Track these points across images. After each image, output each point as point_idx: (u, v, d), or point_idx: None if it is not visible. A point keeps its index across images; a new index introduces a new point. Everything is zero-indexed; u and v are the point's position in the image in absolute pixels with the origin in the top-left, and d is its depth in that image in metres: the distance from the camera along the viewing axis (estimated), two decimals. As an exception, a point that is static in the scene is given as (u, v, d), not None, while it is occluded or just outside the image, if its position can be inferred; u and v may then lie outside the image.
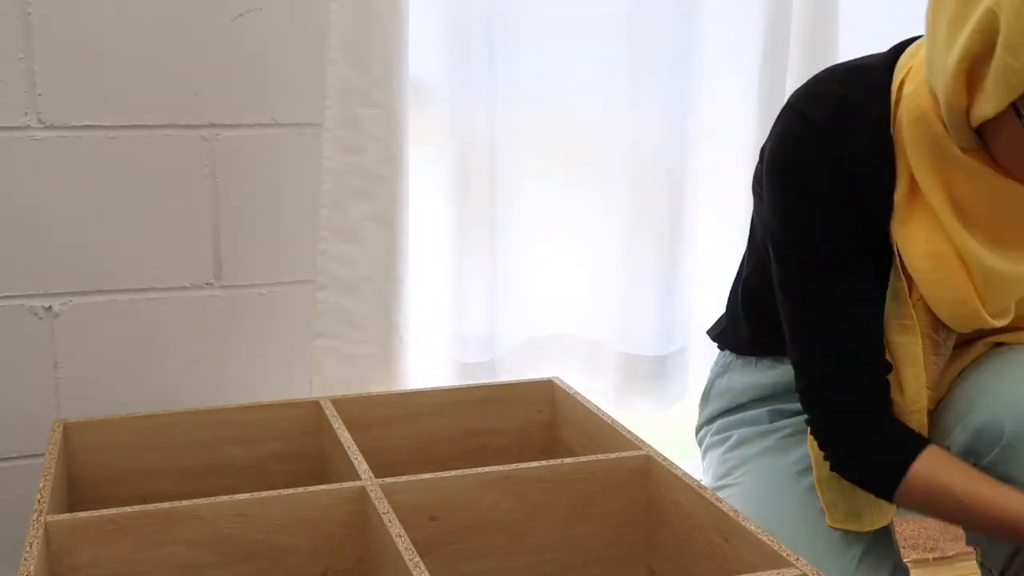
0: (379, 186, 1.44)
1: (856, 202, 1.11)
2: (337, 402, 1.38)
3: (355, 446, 1.22)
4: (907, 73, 1.10)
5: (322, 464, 1.36)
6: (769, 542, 0.97)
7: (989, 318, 1.12)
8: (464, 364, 1.63)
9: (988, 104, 1.00)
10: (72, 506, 1.25)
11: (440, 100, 1.57)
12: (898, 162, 1.10)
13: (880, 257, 1.13)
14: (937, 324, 1.14)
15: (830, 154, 1.10)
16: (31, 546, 0.97)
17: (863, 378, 1.13)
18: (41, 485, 1.12)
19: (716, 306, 1.79)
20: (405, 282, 1.49)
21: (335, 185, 1.43)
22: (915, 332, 1.12)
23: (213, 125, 1.52)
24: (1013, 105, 0.99)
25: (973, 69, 1.00)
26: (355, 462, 1.17)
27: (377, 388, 1.47)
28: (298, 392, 1.53)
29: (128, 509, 1.07)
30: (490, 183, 1.60)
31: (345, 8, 1.39)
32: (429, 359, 1.63)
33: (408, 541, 0.98)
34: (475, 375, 1.63)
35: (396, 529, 1.01)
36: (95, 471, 1.20)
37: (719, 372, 1.42)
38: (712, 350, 1.87)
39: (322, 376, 1.45)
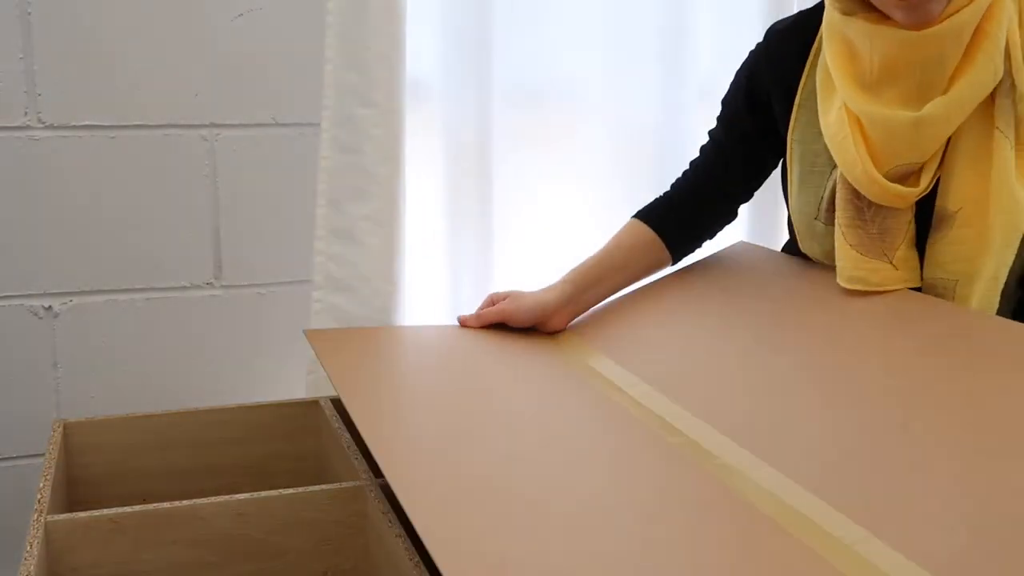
0: (376, 186, 1.44)
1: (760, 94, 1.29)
2: (336, 402, 1.38)
3: (355, 446, 1.22)
4: None
5: (322, 464, 1.36)
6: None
7: (884, 180, 1.12)
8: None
9: None
10: (72, 506, 1.25)
11: (437, 99, 1.57)
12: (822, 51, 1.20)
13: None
14: (858, 192, 1.16)
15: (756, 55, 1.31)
16: (31, 546, 0.97)
17: None
18: (41, 485, 1.12)
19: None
20: (402, 282, 1.49)
21: (332, 185, 1.43)
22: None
23: (213, 125, 1.52)
24: None
25: None
26: (355, 462, 1.17)
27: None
28: (298, 392, 1.53)
29: (128, 509, 1.06)
30: (487, 182, 1.61)
31: (342, 8, 1.39)
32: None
33: (408, 541, 0.98)
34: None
35: (396, 529, 1.01)
36: (95, 471, 1.20)
37: None
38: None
39: (317, 376, 1.45)
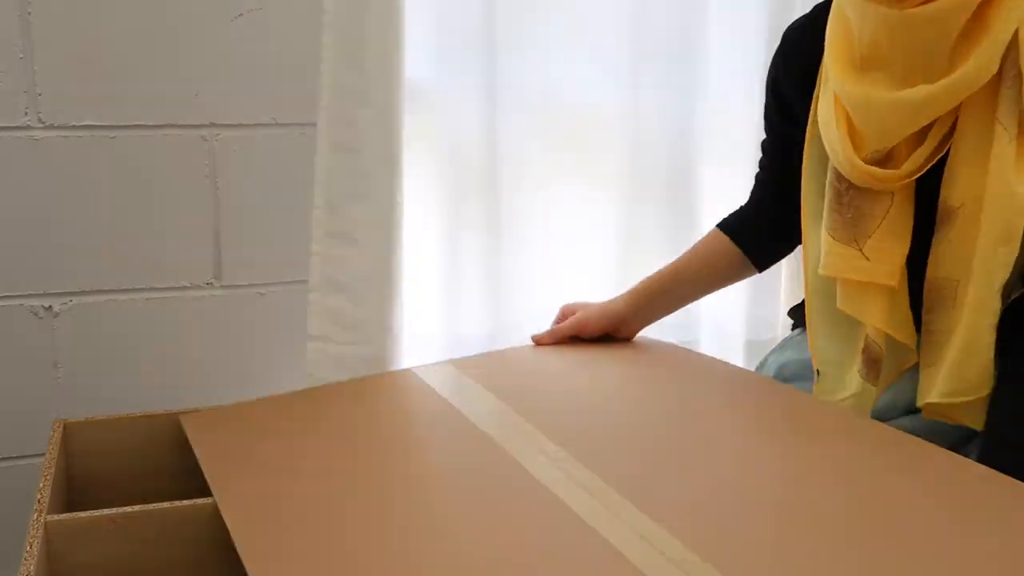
0: (373, 187, 1.44)
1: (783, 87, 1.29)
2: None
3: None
4: None
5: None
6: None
7: (862, 163, 1.10)
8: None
9: None
10: (72, 506, 1.25)
11: (436, 101, 1.57)
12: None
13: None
14: (840, 175, 1.15)
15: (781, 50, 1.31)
16: (31, 546, 0.97)
17: None
18: (41, 485, 1.12)
19: (723, 301, 1.80)
20: (399, 283, 1.49)
21: (329, 186, 1.43)
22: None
23: (213, 125, 1.52)
24: None
25: None
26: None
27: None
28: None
29: (128, 509, 1.07)
30: (486, 184, 1.61)
31: (340, 9, 1.39)
32: (424, 361, 1.63)
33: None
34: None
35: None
36: (95, 471, 1.20)
37: (774, 349, 1.43)
38: (723, 344, 1.87)
39: (315, 378, 1.45)
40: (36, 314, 1.49)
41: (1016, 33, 1.03)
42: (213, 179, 1.53)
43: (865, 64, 1.11)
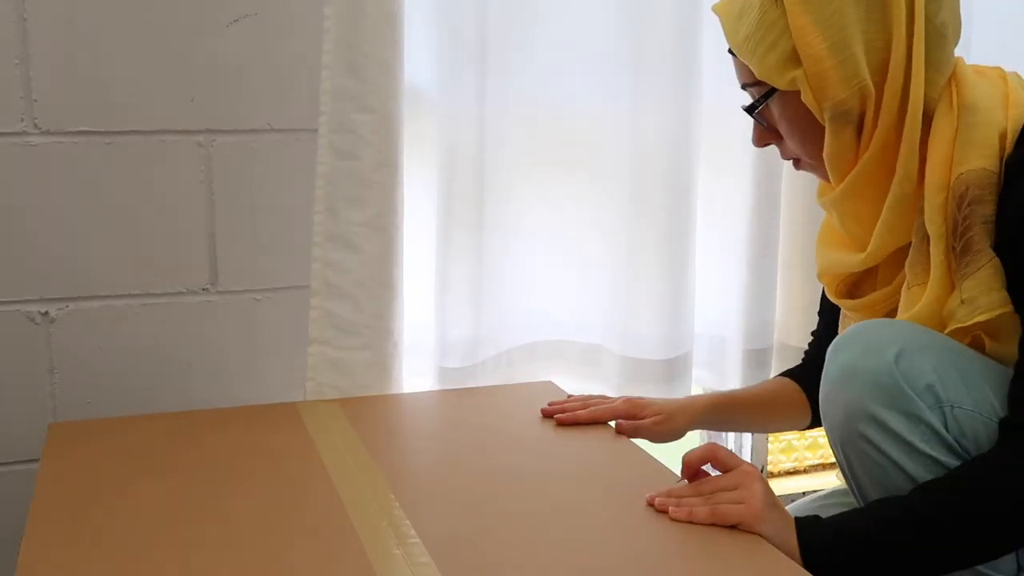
0: (373, 192, 1.44)
1: None
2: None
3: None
4: None
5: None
6: None
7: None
8: (459, 369, 1.63)
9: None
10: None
11: (434, 106, 1.57)
12: None
13: None
14: None
15: None
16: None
17: None
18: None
19: (717, 310, 1.80)
20: (399, 288, 1.49)
21: (329, 191, 1.43)
22: None
23: (209, 131, 1.52)
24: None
25: None
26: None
27: (371, 394, 1.48)
28: (296, 397, 1.54)
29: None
30: (484, 189, 1.61)
31: (339, 14, 1.39)
32: (423, 364, 1.63)
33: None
34: (470, 380, 1.63)
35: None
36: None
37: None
38: (713, 354, 1.86)
39: (316, 383, 1.45)
40: (32, 320, 1.49)
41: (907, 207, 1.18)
42: (209, 185, 1.54)
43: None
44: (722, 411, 1.40)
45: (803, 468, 2.22)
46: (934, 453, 1.06)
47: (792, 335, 1.83)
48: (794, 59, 1.16)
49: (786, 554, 1.00)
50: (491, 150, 1.60)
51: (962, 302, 1.10)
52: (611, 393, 1.73)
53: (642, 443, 1.32)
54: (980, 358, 1.12)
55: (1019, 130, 1.12)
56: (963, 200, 1.11)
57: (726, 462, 1.09)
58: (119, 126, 1.49)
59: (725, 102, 1.72)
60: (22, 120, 1.45)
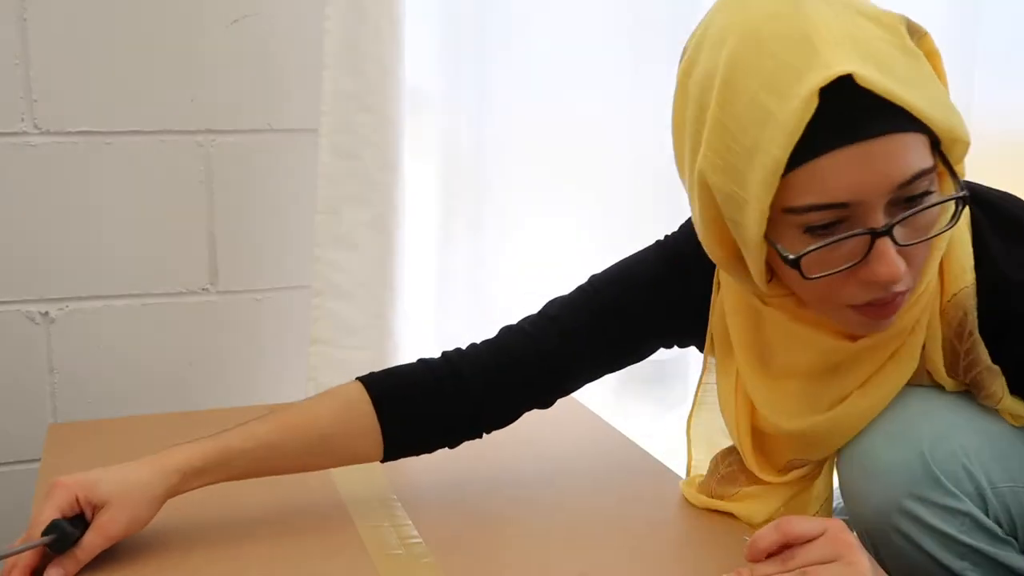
0: (375, 192, 1.44)
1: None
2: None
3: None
4: None
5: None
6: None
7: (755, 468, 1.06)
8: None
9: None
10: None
11: (436, 106, 1.57)
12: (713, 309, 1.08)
13: None
14: None
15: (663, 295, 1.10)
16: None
17: None
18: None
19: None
20: (400, 288, 1.49)
21: (331, 191, 1.43)
22: None
23: (209, 131, 1.52)
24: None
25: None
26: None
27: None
28: (296, 397, 1.53)
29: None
30: (486, 189, 1.61)
31: (341, 14, 1.39)
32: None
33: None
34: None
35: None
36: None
37: None
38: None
39: (317, 383, 1.45)
40: (33, 320, 1.49)
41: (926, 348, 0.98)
42: (209, 185, 1.54)
43: (779, 374, 1.02)
44: (217, 467, 1.00)
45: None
46: (974, 543, 0.96)
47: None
48: None
49: None
50: (491, 150, 1.60)
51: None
52: (611, 396, 1.74)
53: (642, 443, 1.32)
54: (999, 419, 1.00)
55: None
56: (963, 330, 0.96)
57: (805, 534, 0.83)
58: (119, 126, 1.49)
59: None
60: (22, 120, 1.45)
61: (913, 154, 0.84)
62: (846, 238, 0.85)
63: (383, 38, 1.41)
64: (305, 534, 1.03)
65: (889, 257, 0.85)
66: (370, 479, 1.15)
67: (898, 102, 0.83)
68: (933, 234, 0.88)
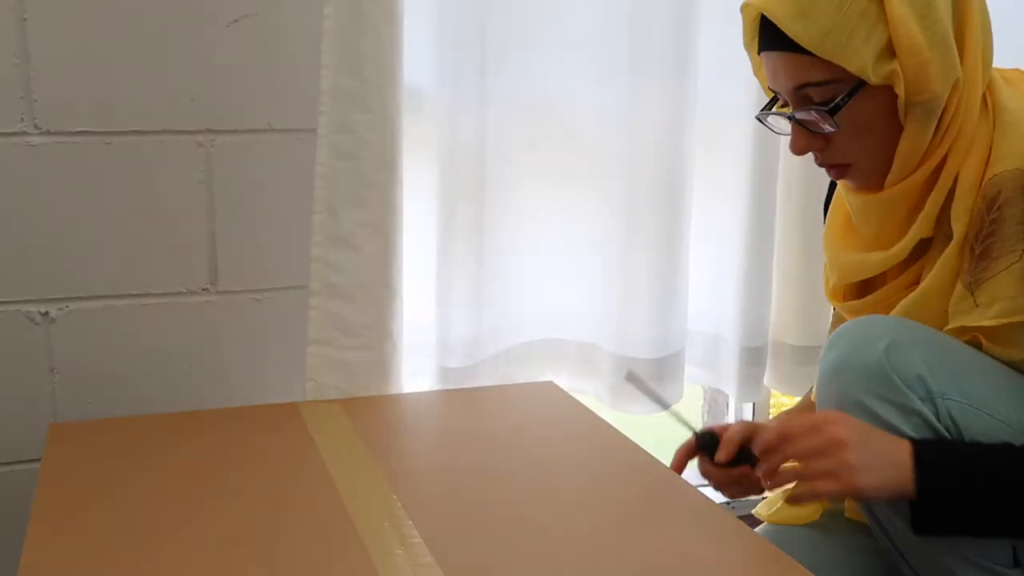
0: (373, 192, 1.44)
1: None
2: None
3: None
4: None
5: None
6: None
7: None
8: (459, 369, 1.63)
9: None
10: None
11: (434, 106, 1.57)
12: None
13: None
14: None
15: None
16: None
17: None
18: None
19: (712, 308, 1.80)
20: (399, 289, 1.49)
21: (329, 191, 1.43)
22: None
23: (208, 131, 1.52)
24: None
25: None
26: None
27: (371, 394, 1.48)
28: (296, 397, 1.53)
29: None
30: (484, 189, 1.61)
31: (339, 14, 1.39)
32: (423, 364, 1.64)
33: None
34: (470, 380, 1.63)
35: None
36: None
37: None
38: (708, 352, 1.87)
39: (316, 383, 1.45)
40: (33, 320, 1.49)
41: (945, 203, 1.16)
42: (209, 185, 1.54)
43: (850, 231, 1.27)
44: None
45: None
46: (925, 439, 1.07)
47: (788, 333, 1.83)
48: (889, 51, 1.09)
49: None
50: (490, 150, 1.60)
51: (977, 304, 1.10)
52: (607, 393, 1.74)
53: (642, 443, 1.32)
54: (972, 352, 1.11)
55: None
56: (993, 203, 1.09)
57: (799, 428, 1.08)
58: (119, 126, 1.49)
59: (721, 103, 1.73)
60: (22, 120, 1.45)
61: (801, 69, 1.12)
62: (780, 114, 1.20)
63: (382, 38, 1.41)
64: (305, 534, 1.03)
65: (793, 135, 1.17)
66: (370, 479, 1.15)
67: (787, 32, 1.09)
68: (827, 129, 1.13)
